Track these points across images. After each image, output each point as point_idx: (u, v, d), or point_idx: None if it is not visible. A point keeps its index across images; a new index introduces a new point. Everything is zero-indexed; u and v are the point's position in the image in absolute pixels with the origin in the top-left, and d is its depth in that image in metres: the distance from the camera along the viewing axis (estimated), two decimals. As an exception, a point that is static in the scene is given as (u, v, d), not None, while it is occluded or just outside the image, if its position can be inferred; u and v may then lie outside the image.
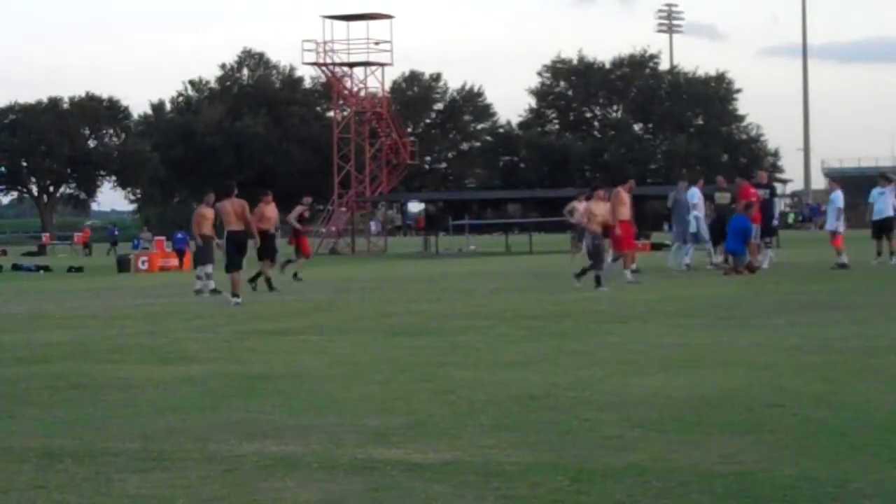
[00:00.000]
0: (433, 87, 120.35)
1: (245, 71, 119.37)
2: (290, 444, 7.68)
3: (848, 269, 25.56)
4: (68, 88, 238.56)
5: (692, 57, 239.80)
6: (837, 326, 13.94)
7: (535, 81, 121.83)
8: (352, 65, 60.49)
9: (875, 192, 28.59)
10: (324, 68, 61.04)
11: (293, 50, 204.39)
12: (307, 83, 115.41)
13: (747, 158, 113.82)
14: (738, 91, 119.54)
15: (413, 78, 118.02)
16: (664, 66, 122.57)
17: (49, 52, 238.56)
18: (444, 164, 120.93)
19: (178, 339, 14.85)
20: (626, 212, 24.23)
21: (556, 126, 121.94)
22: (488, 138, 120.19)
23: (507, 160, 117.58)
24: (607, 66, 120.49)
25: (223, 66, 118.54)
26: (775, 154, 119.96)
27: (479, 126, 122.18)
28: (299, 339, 14.48)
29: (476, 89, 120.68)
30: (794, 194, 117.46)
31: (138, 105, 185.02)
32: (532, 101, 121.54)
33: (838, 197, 27.71)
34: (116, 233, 77.34)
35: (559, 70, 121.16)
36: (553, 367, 11.01)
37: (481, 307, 18.53)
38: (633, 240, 25.37)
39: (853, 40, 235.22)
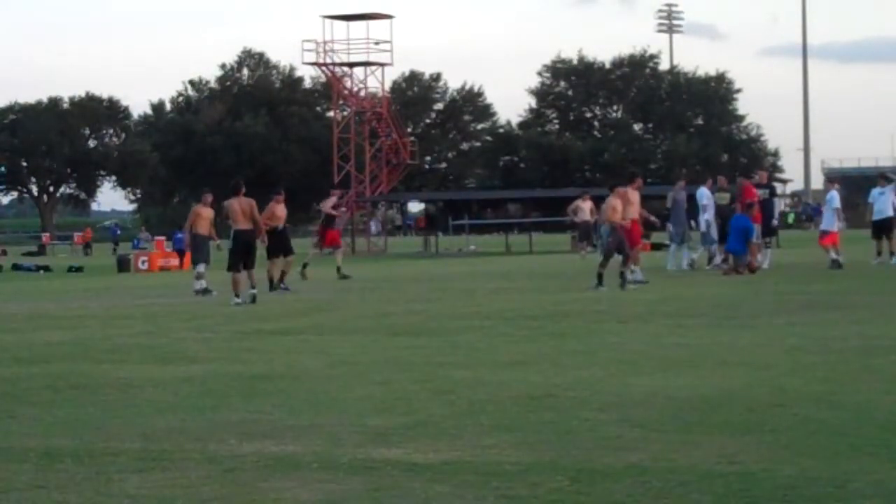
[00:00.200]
0: (433, 87, 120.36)
1: (245, 71, 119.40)
2: (290, 444, 7.68)
3: (841, 267, 25.56)
4: (68, 88, 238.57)
5: (692, 57, 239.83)
6: (837, 326, 13.94)
7: (535, 81, 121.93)
8: (352, 65, 60.47)
9: (875, 191, 28.60)
10: (324, 68, 61.02)
11: (293, 50, 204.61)
12: (307, 83, 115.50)
13: (747, 158, 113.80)
14: (738, 91, 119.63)
15: (413, 78, 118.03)
16: (664, 66, 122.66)
17: (49, 52, 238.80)
18: (444, 164, 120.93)
19: (178, 339, 14.85)
20: (634, 210, 24.22)
21: (556, 126, 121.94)
22: (488, 138, 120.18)
23: (507, 160, 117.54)
24: (607, 66, 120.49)
25: (223, 66, 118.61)
26: (775, 154, 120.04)
27: (479, 126, 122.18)
28: (299, 339, 14.48)
29: (476, 89, 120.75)
30: (794, 194, 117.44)
31: (138, 105, 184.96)
32: (532, 101, 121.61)
33: (834, 197, 27.70)
34: (118, 232, 77.39)
35: (559, 70, 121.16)
36: (553, 367, 11.01)
37: (481, 307, 18.52)
38: (640, 238, 25.33)
39: (853, 40, 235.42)
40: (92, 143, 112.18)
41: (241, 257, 20.87)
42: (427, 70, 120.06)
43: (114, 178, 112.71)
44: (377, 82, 62.19)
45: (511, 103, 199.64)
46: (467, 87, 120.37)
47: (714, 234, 27.57)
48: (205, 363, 12.09)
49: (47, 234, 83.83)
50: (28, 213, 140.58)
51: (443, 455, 7.22)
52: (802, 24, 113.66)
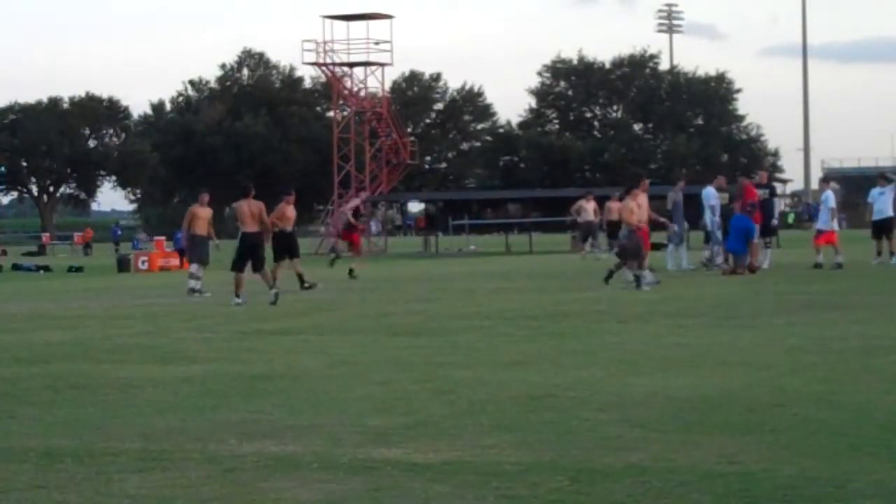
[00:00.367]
0: (433, 87, 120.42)
1: (245, 71, 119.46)
2: (290, 444, 7.68)
3: (821, 268, 25.63)
4: (68, 88, 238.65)
5: (692, 57, 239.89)
6: (837, 326, 13.94)
7: (535, 81, 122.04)
8: (352, 65, 60.49)
9: (875, 191, 28.60)
10: (324, 68, 61.04)
11: (293, 50, 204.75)
12: (307, 83, 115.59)
13: (747, 158, 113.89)
14: (738, 91, 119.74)
15: (413, 78, 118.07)
16: (664, 66, 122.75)
17: (49, 52, 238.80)
18: (444, 164, 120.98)
19: (178, 339, 14.85)
20: (643, 213, 24.14)
21: (556, 126, 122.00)
22: (488, 138, 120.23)
23: (507, 160, 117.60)
24: (607, 66, 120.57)
25: (223, 66, 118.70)
26: (775, 154, 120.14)
27: (479, 126, 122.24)
28: (299, 339, 14.48)
29: (476, 89, 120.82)
30: (794, 194, 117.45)
31: (138, 105, 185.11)
32: (532, 101, 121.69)
33: (829, 197, 27.70)
34: (120, 232, 77.39)
35: (559, 70, 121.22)
36: (553, 367, 11.01)
37: (481, 307, 18.52)
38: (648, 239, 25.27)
39: (853, 40, 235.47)
40: (92, 143, 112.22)
41: (246, 258, 20.88)
42: (427, 70, 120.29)
43: (114, 178, 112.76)
44: (377, 82, 62.33)
45: (511, 103, 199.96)
46: (467, 87, 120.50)
47: (720, 233, 27.53)
48: (205, 363, 12.09)
49: (47, 234, 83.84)
50: (28, 213, 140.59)
51: (443, 455, 7.22)
52: (802, 24, 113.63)
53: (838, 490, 6.17)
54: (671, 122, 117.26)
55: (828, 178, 33.97)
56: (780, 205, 66.03)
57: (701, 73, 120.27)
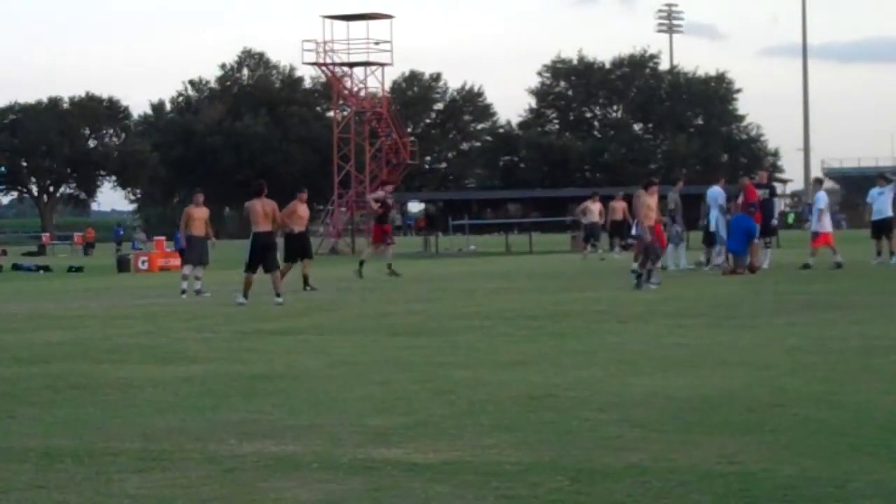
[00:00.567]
0: (433, 87, 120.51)
1: (245, 71, 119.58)
2: (290, 444, 7.68)
3: (810, 268, 25.64)
4: (68, 88, 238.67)
5: (692, 57, 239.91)
6: (837, 326, 13.94)
7: (535, 81, 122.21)
8: (352, 65, 60.47)
9: (874, 191, 28.59)
10: (324, 68, 61.01)
11: (293, 50, 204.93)
12: (307, 83, 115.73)
13: (747, 158, 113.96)
14: (738, 91, 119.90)
15: (413, 78, 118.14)
16: (664, 66, 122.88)
17: (49, 52, 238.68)
18: (444, 164, 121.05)
19: (178, 339, 14.85)
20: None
21: (556, 126, 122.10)
22: (488, 138, 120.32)
23: (507, 160, 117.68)
24: (607, 66, 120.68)
25: (223, 66, 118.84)
26: (775, 154, 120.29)
27: (479, 126, 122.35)
28: (299, 339, 14.47)
29: (476, 89, 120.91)
30: (794, 194, 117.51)
31: (138, 105, 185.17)
32: (532, 101, 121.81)
33: (820, 198, 27.67)
34: (122, 232, 77.40)
35: (559, 70, 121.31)
36: (553, 367, 11.00)
37: (481, 307, 18.52)
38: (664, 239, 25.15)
39: (853, 40, 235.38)
40: (92, 143, 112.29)
41: (259, 259, 20.78)
42: (427, 70, 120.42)
43: (114, 178, 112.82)
44: (377, 82, 62.28)
45: (511, 103, 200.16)
46: (467, 87, 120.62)
47: (723, 232, 27.50)
48: (205, 363, 12.09)
49: (47, 234, 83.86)
50: (28, 213, 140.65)
51: (443, 455, 7.22)
52: (802, 24, 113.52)
53: (838, 490, 6.17)
54: (671, 122, 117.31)
55: (819, 178, 33.89)
56: (780, 205, 66.01)
57: (701, 73, 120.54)
